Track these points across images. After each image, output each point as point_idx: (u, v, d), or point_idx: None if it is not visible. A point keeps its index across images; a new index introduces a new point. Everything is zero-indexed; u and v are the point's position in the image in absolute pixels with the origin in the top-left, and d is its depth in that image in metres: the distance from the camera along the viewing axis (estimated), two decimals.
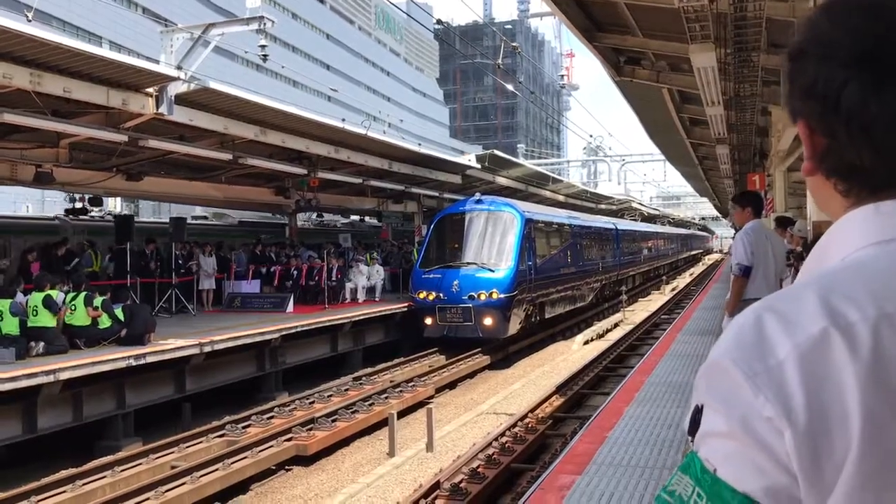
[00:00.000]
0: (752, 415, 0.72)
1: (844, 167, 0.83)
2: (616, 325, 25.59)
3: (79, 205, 20.92)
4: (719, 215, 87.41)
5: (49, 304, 12.03)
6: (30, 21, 12.02)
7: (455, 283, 19.10)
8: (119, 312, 12.95)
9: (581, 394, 14.50)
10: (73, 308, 12.52)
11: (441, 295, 19.16)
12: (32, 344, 11.69)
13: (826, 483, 0.70)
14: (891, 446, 0.69)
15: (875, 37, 0.80)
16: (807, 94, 0.84)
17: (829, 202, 0.87)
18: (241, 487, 10.05)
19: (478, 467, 9.57)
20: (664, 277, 45.84)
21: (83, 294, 12.72)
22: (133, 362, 11.85)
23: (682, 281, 48.64)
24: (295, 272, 21.43)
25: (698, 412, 0.77)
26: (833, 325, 0.72)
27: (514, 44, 22.67)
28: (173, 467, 10.01)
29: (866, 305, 0.73)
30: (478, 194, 21.38)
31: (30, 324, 11.85)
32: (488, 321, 18.79)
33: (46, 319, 11.97)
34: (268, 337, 15.00)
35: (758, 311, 0.77)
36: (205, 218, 31.28)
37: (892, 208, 0.81)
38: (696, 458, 0.76)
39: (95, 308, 12.62)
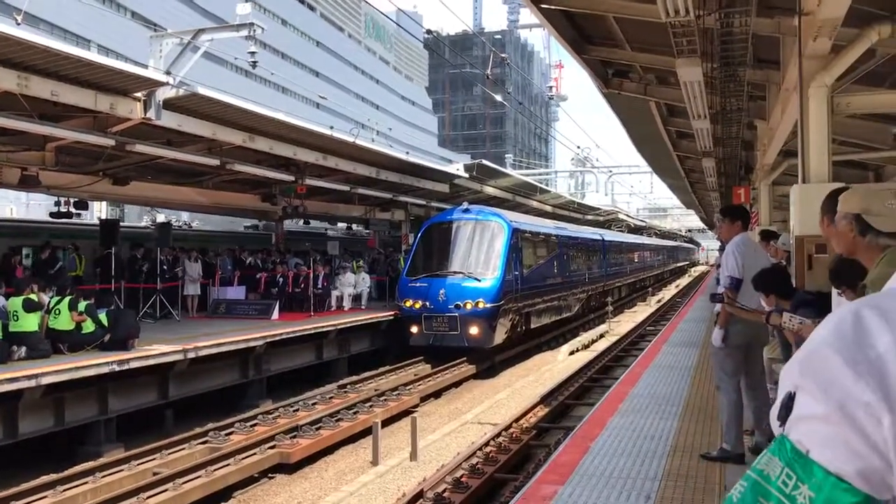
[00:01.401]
0: (851, 400, 0.74)
1: None
2: (601, 335, 25.64)
3: (64, 208, 20.80)
4: (705, 227, 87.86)
5: (29, 306, 11.94)
6: (19, 24, 11.97)
7: (441, 291, 19.11)
8: (103, 317, 12.88)
9: (565, 404, 14.52)
10: (57, 312, 12.44)
11: (427, 303, 19.16)
12: (14, 348, 11.60)
13: None
14: None
15: None
16: None
17: None
18: (224, 495, 10.01)
19: (461, 477, 9.57)
20: (650, 289, 45.98)
21: (68, 298, 12.65)
22: (116, 368, 11.78)
23: (668, 293, 48.81)
24: (281, 279, 21.38)
25: (790, 399, 0.80)
26: None
27: (503, 55, 22.77)
28: (155, 474, 9.95)
29: None
30: (465, 203, 21.42)
31: (11, 329, 11.76)
32: (474, 330, 18.81)
33: (28, 324, 11.89)
34: (252, 344, 14.95)
35: (857, 306, 0.80)
36: (188, 226, 31.16)
37: None
38: (786, 440, 0.78)
39: (80, 313, 12.54)
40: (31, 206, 38.85)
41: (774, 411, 0.83)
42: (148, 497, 9.04)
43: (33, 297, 12.20)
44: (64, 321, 12.44)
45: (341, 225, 35.37)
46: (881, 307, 0.79)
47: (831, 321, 0.81)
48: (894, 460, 0.73)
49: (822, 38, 7.48)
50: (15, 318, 11.82)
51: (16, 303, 11.96)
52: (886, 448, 0.73)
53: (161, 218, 32.23)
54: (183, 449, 11.22)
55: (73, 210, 20.09)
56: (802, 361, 0.80)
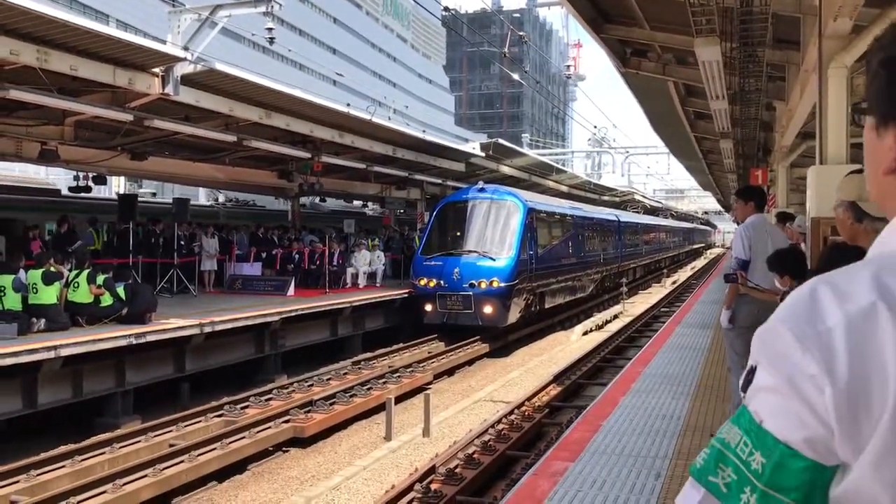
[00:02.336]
0: (798, 373, 0.78)
1: None
2: (615, 316, 25.63)
3: (82, 183, 20.97)
4: (722, 210, 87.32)
5: (49, 277, 12.08)
6: None
7: (456, 270, 19.14)
8: (121, 291, 13.01)
9: (578, 384, 14.57)
10: (76, 285, 12.58)
11: (442, 282, 19.20)
12: (34, 320, 11.76)
13: (862, 437, 0.76)
14: None
15: None
16: None
17: None
18: (239, 467, 10.14)
19: (473, 453, 9.64)
20: (665, 270, 45.85)
21: (86, 271, 12.78)
22: (134, 341, 11.92)
23: (683, 274, 48.64)
24: (296, 256, 21.48)
25: (751, 371, 0.84)
26: (881, 299, 0.78)
27: (521, 33, 22.63)
28: (171, 445, 10.09)
29: None
30: (481, 182, 21.42)
31: (30, 301, 11.91)
32: (488, 309, 18.85)
33: (47, 297, 12.03)
34: (268, 319, 15.07)
35: (814, 283, 0.84)
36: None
37: None
38: (746, 411, 0.83)
39: (98, 286, 12.68)
40: (50, 181, 39.09)
41: (740, 382, 0.87)
42: (164, 468, 9.16)
43: (52, 269, 12.34)
44: (82, 294, 12.58)
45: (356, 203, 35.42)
46: (835, 283, 0.82)
47: (792, 296, 0.84)
48: (836, 428, 0.76)
49: (843, 18, 7.40)
50: (34, 290, 11.97)
51: (35, 275, 12.10)
52: (829, 417, 0.77)
53: (222, 198, 32.45)
54: (199, 422, 11.36)
55: (91, 185, 20.28)
56: (760, 336, 0.84)
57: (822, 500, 0.79)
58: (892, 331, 0.76)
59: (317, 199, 29.40)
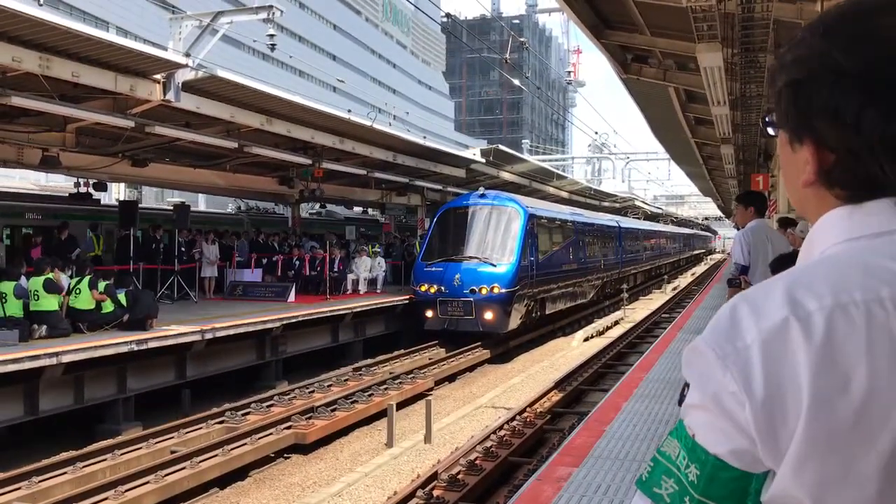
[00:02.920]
0: (721, 391, 0.83)
1: (854, 178, 0.90)
2: (616, 322, 25.63)
3: (83, 190, 20.97)
4: (722, 215, 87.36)
5: (50, 286, 12.08)
6: (41, 5, 12.06)
7: (457, 276, 19.15)
8: (122, 297, 13.01)
9: (580, 390, 14.56)
10: (77, 291, 12.58)
11: (443, 288, 19.20)
12: (35, 326, 11.76)
13: (781, 446, 0.80)
14: (836, 418, 0.79)
15: (877, 59, 0.87)
16: (820, 117, 0.90)
17: (823, 208, 0.95)
18: (241, 474, 10.13)
19: (475, 459, 9.62)
20: (666, 276, 45.85)
21: (87, 277, 12.78)
22: (135, 347, 11.91)
23: (684, 280, 48.64)
24: (297, 262, 21.48)
25: (686, 387, 0.89)
26: (792, 314, 0.81)
27: (521, 39, 22.67)
28: (173, 452, 10.08)
29: (825, 296, 0.82)
30: (481, 188, 21.40)
31: (32, 308, 11.92)
32: (489, 315, 18.84)
33: (48, 303, 12.04)
34: (269, 326, 15.06)
35: (735, 301, 0.87)
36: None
37: (867, 209, 0.90)
38: (682, 425, 0.88)
39: (101, 292, 12.68)
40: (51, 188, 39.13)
41: (678, 397, 0.90)
42: (166, 474, 9.15)
43: (51, 276, 12.32)
44: (84, 300, 12.58)
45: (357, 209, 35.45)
46: (753, 301, 0.85)
47: (716, 316, 0.88)
48: (757, 439, 0.81)
49: None
50: (36, 297, 11.97)
51: (37, 282, 12.10)
52: (750, 430, 0.81)
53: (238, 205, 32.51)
54: (200, 428, 11.34)
55: (91, 191, 20.29)
56: (687, 356, 0.88)
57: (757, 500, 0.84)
58: (802, 344, 0.80)
59: (335, 207, 29.57)
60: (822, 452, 0.79)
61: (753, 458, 0.83)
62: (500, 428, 11.09)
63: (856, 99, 0.87)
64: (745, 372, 0.81)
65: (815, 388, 0.79)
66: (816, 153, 0.92)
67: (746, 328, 0.83)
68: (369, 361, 17.28)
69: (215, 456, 9.92)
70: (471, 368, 17.89)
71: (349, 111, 18.52)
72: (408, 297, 20.20)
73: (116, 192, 31.43)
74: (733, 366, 0.82)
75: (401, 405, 13.17)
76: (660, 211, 65.22)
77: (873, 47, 0.87)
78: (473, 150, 25.85)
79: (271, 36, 19.47)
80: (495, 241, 19.92)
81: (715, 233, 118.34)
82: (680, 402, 0.91)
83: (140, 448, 10.30)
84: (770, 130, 1.03)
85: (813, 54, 0.92)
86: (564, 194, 36.80)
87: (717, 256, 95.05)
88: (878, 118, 0.86)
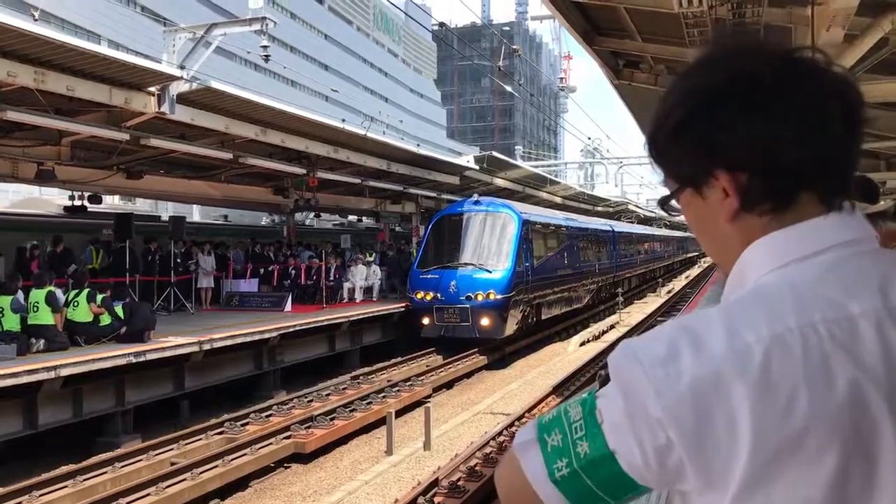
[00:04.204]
0: (644, 410, 0.86)
1: (773, 183, 0.94)
2: (612, 326, 25.68)
3: (77, 202, 20.94)
4: None
5: (52, 300, 12.09)
6: (36, 20, 12.09)
7: (452, 283, 19.19)
8: (119, 310, 13.02)
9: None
10: (75, 304, 12.58)
11: (439, 295, 19.24)
12: (33, 340, 11.76)
13: (716, 474, 0.84)
14: (780, 444, 0.82)
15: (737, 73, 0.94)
16: (725, 134, 0.95)
17: (750, 237, 0.97)
18: (241, 484, 10.14)
19: (475, 466, 9.66)
20: (660, 280, 45.94)
21: (86, 290, 12.79)
22: (133, 359, 11.92)
23: (678, 283, 48.74)
24: (293, 271, 21.49)
25: (607, 378, 0.91)
26: (730, 348, 0.85)
27: (514, 47, 22.76)
28: (173, 464, 10.08)
29: (761, 327, 0.86)
30: (476, 195, 21.48)
31: (30, 321, 11.91)
32: (485, 322, 18.88)
33: (47, 316, 12.04)
34: (266, 336, 15.08)
35: (677, 328, 0.90)
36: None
37: (792, 233, 0.94)
38: (593, 400, 0.92)
39: (98, 305, 12.68)
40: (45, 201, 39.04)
41: (602, 372, 0.95)
42: (166, 486, 9.16)
43: (52, 289, 12.33)
44: (82, 313, 12.59)
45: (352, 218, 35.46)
46: (694, 333, 0.88)
47: (655, 333, 0.91)
48: (687, 462, 0.85)
49: (836, 28, 7.48)
50: (35, 309, 11.97)
51: (38, 294, 12.10)
52: (653, 459, 0.86)
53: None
54: (200, 439, 11.35)
55: (86, 204, 20.26)
56: (622, 360, 0.90)
57: (624, 496, 0.90)
58: (741, 377, 0.83)
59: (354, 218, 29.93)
60: (769, 479, 0.82)
61: (641, 476, 0.87)
62: (500, 434, 11.13)
63: (734, 110, 0.93)
64: (674, 403, 0.84)
65: (756, 416, 0.82)
66: (731, 178, 0.95)
67: (684, 356, 0.86)
68: (367, 370, 17.30)
69: (215, 467, 9.93)
70: (468, 375, 17.92)
71: (343, 120, 18.55)
72: (404, 304, 20.23)
73: (111, 203, 31.42)
74: (664, 394, 0.84)
75: (399, 413, 13.19)
76: (653, 215, 65.32)
77: (727, 65, 0.95)
78: (467, 157, 25.89)
79: (265, 47, 19.53)
80: (490, 247, 19.98)
81: None
82: (601, 382, 0.95)
83: (140, 460, 10.30)
84: (673, 203, 1.05)
85: (684, 92, 0.98)
86: (558, 199, 36.86)
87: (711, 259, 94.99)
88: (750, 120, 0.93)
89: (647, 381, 0.85)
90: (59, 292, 12.86)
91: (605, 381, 0.92)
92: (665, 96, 1.01)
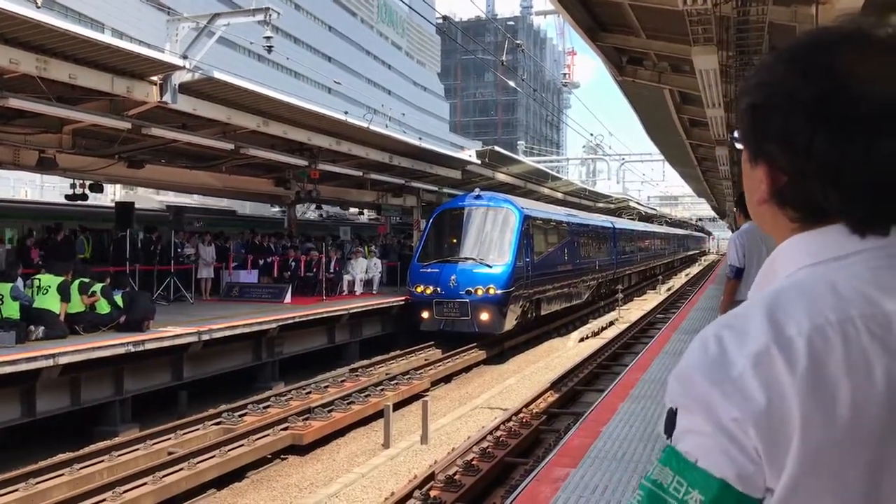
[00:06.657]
0: (724, 416, 0.85)
1: (804, 201, 0.95)
2: (611, 323, 25.69)
3: (79, 191, 20.96)
4: (716, 216, 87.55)
5: (63, 290, 12.12)
6: (39, 7, 12.07)
7: (452, 277, 19.19)
8: (119, 299, 13.01)
9: (575, 390, 14.60)
10: (45, 290, 12.58)
11: (438, 289, 19.25)
12: (32, 328, 11.75)
13: (780, 467, 0.85)
14: (826, 437, 0.83)
15: (832, 89, 0.91)
16: (775, 141, 0.96)
17: (777, 226, 1.00)
18: (238, 475, 10.14)
19: (472, 460, 9.66)
20: (660, 277, 45.96)
21: (77, 282, 12.77)
22: (132, 349, 11.92)
23: (678, 281, 48.75)
24: (293, 263, 21.50)
25: (673, 414, 0.90)
26: (774, 340, 0.86)
27: (518, 41, 22.72)
28: (170, 453, 10.09)
29: (802, 319, 0.87)
30: (477, 190, 21.44)
31: (35, 304, 11.92)
32: (485, 316, 18.89)
33: (52, 303, 12.06)
34: (265, 327, 15.08)
35: (717, 329, 0.91)
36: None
37: (822, 235, 0.95)
38: (675, 452, 0.89)
39: (90, 295, 12.67)
40: (46, 189, 39.12)
41: (661, 425, 0.94)
42: (163, 476, 9.17)
43: (66, 279, 12.34)
44: (74, 304, 12.57)
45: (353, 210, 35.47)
46: (735, 328, 0.89)
47: (700, 342, 0.91)
48: (765, 461, 0.85)
49: None
50: (45, 292, 11.99)
51: (51, 279, 12.14)
52: (756, 454, 0.85)
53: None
54: (197, 429, 11.36)
55: (87, 192, 20.28)
56: (679, 382, 0.90)
57: None
58: (788, 369, 0.84)
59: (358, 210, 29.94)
60: (814, 470, 0.84)
61: (754, 482, 0.86)
62: (497, 428, 11.13)
63: (806, 126, 0.92)
64: (745, 398, 0.85)
65: (804, 409, 0.83)
66: (770, 173, 0.97)
67: (735, 356, 0.86)
68: (366, 362, 17.31)
69: (213, 457, 9.94)
70: (467, 369, 17.93)
71: (346, 113, 18.53)
72: (404, 298, 20.23)
73: (113, 193, 31.42)
74: (732, 393, 0.85)
75: (397, 406, 13.20)
76: (654, 212, 65.36)
77: (828, 79, 0.92)
78: (469, 152, 25.89)
79: (268, 38, 19.49)
80: (491, 242, 19.97)
81: (709, 233, 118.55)
82: (667, 430, 0.91)
83: (137, 449, 10.31)
84: (737, 145, 1.09)
85: (773, 80, 0.97)
86: (559, 195, 36.86)
87: (712, 257, 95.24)
88: (823, 147, 0.90)
89: (712, 385, 0.86)
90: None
91: (669, 425, 0.91)
92: (767, 68, 0.99)
